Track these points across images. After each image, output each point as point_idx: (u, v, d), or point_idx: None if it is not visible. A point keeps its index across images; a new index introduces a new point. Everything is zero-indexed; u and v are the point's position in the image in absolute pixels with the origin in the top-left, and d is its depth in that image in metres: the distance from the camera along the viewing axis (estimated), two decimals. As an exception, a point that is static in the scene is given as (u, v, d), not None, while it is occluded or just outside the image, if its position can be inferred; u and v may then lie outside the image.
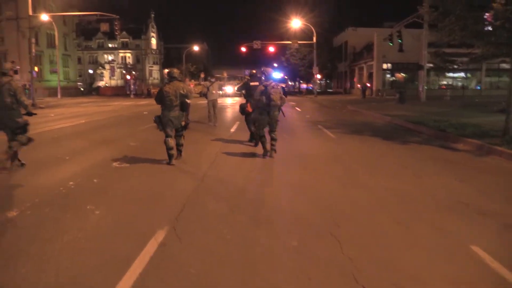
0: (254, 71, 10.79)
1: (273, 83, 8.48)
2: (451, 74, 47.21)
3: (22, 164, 7.63)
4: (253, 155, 9.04)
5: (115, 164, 7.85)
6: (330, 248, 3.91)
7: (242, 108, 10.23)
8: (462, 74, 46.83)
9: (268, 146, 8.65)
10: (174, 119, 7.92)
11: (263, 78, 8.79)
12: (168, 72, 8.24)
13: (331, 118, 18.24)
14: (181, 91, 7.82)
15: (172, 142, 7.95)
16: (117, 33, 33.73)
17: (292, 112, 22.72)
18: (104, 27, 34.61)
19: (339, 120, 17.52)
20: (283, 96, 8.52)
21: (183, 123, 8.11)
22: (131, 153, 9.12)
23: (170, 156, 7.94)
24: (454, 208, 5.13)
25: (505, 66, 42.49)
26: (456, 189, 6.15)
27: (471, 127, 12.59)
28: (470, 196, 5.74)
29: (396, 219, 4.68)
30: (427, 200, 5.51)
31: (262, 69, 8.88)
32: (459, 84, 45.85)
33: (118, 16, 32.68)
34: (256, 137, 9.53)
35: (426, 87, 34.71)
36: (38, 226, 4.53)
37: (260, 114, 8.57)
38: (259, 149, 9.29)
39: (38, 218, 4.79)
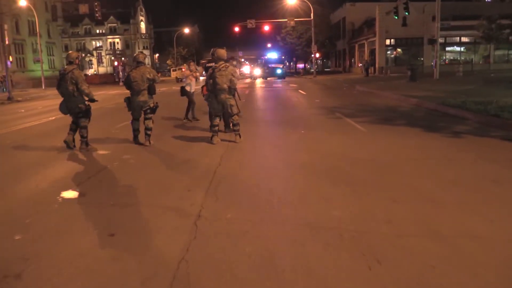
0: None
1: (222, 65, 7.91)
2: (454, 48, 44.61)
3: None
4: (270, 169, 6.51)
5: (64, 194, 5.23)
6: None
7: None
8: (459, 48, 44.20)
9: (215, 139, 8.15)
10: (143, 103, 8.04)
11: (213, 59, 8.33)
12: (134, 57, 8.40)
13: (346, 103, 15.63)
14: (148, 76, 7.90)
15: (138, 124, 8.31)
16: (97, 15, 30.75)
17: (297, 96, 20.12)
18: (84, 9, 31.58)
19: (355, 104, 14.91)
20: (233, 78, 7.90)
21: (152, 105, 8.11)
22: (96, 170, 6.52)
23: (135, 136, 8.40)
24: None
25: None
26: None
27: (528, 110, 10.08)
28: None
29: None
30: None
31: (212, 50, 8.35)
32: (462, 58, 43.18)
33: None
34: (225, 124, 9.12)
35: (432, 63, 32.18)
36: None
37: (208, 98, 8.24)
38: (258, 154, 6.75)
39: None
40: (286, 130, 9.78)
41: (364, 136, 8.73)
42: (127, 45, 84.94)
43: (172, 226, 4.04)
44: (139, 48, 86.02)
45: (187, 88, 11.54)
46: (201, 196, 4.89)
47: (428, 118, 11.10)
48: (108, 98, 23.64)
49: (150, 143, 8.16)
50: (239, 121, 8.22)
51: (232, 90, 7.98)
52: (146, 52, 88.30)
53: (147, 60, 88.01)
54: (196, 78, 12.10)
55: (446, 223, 3.89)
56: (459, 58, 43.47)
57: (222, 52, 8.07)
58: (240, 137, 8.20)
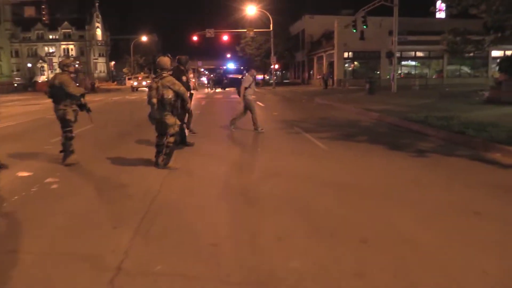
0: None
1: (158, 75, 6.70)
2: (409, 63, 45.45)
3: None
4: (219, 199, 5.59)
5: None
6: None
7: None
8: (414, 63, 45.12)
9: (160, 159, 6.88)
10: (57, 113, 7.06)
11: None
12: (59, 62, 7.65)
13: (306, 116, 14.96)
14: (55, 82, 6.93)
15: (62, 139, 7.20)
16: (44, 19, 28.96)
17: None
18: (29, 11, 29.67)
19: (316, 118, 14.28)
20: (165, 92, 6.52)
21: (66, 117, 6.98)
22: (5, 199, 5.36)
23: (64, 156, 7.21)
24: None
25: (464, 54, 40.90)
26: None
27: (491, 127, 9.74)
28: None
29: None
30: None
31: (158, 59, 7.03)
32: (417, 72, 44.04)
33: (46, -1, 27.89)
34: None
35: (389, 76, 32.42)
36: None
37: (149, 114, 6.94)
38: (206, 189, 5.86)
39: None
40: (242, 147, 8.93)
41: (326, 155, 7.99)
42: (81, 52, 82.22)
43: (81, 286, 3.04)
44: (94, 56, 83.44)
45: None
46: (128, 237, 3.91)
47: (391, 134, 10.57)
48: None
49: (64, 161, 7.14)
50: (173, 144, 6.86)
51: (167, 106, 6.59)
52: (102, 59, 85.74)
53: (103, 67, 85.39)
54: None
55: (433, 278, 3.11)
56: (414, 72, 44.34)
57: (164, 60, 6.77)
58: (165, 162, 6.79)
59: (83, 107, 7.26)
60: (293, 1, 53.50)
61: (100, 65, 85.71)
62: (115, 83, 71.53)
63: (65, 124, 7.07)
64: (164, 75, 6.67)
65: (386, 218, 4.39)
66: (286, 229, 4.14)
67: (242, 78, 11.23)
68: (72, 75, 8.00)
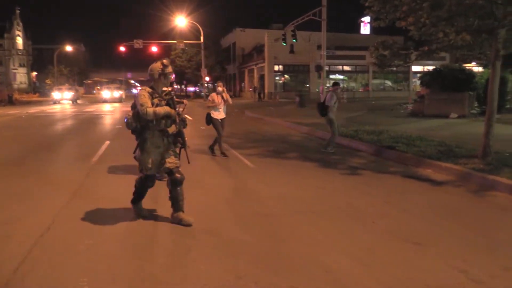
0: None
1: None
2: (336, 76, 46.73)
3: None
4: (113, 246, 4.65)
5: None
6: None
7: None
8: (342, 76, 46.48)
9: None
10: None
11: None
12: None
13: (234, 130, 14.24)
14: None
15: None
16: None
17: (182, 122, 18.37)
18: None
19: (245, 132, 13.64)
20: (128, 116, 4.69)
21: None
22: None
23: None
24: None
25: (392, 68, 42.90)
26: None
27: (419, 141, 9.69)
28: None
29: None
30: None
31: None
32: (344, 86, 45.35)
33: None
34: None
35: (318, 90, 33.00)
36: None
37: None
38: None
39: None
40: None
41: (253, 175, 7.27)
42: (0, 61, 76.53)
43: None
44: (14, 65, 77.93)
45: (215, 115, 9.14)
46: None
47: (321, 149, 10.15)
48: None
49: None
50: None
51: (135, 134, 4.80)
52: (22, 70, 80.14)
53: (24, 78, 79.81)
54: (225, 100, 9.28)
55: None
56: (341, 86, 45.60)
57: (151, 67, 4.74)
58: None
59: None
60: (224, 14, 53.38)
61: (21, 76, 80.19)
62: (37, 94, 67.09)
63: None
64: (141, 88, 4.81)
65: (321, 259, 3.70)
66: (198, 281, 3.34)
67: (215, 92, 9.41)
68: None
